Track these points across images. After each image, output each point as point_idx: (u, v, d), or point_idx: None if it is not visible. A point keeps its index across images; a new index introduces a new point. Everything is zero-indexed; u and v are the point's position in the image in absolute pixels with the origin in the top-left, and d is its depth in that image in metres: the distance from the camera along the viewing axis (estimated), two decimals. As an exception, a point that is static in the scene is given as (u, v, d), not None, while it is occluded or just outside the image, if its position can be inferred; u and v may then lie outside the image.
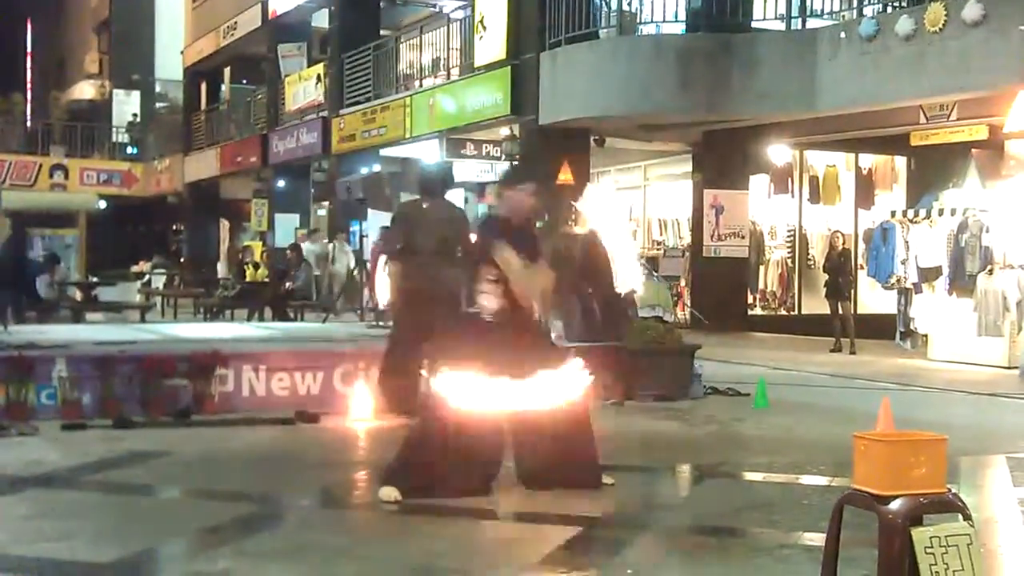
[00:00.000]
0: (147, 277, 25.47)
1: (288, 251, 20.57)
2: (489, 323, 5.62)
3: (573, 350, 9.26)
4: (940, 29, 12.64)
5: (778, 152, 18.58)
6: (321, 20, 24.84)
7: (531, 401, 5.61)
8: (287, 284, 17.52)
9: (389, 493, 5.40)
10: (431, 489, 5.42)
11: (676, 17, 16.21)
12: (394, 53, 21.28)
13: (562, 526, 5.05)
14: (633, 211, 20.83)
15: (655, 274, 16.21)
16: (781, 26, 15.58)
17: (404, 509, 5.30)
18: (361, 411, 8.12)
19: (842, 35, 14.09)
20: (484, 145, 19.54)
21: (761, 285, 19.22)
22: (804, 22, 15.39)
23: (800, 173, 19.47)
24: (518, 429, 5.68)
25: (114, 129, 35.13)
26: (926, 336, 14.05)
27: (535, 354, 5.72)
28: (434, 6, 23.34)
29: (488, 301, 5.65)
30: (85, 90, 39.43)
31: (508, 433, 5.69)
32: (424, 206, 8.22)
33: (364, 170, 21.62)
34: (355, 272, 14.79)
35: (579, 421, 5.77)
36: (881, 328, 15.77)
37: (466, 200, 21.63)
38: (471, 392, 5.49)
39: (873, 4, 14.97)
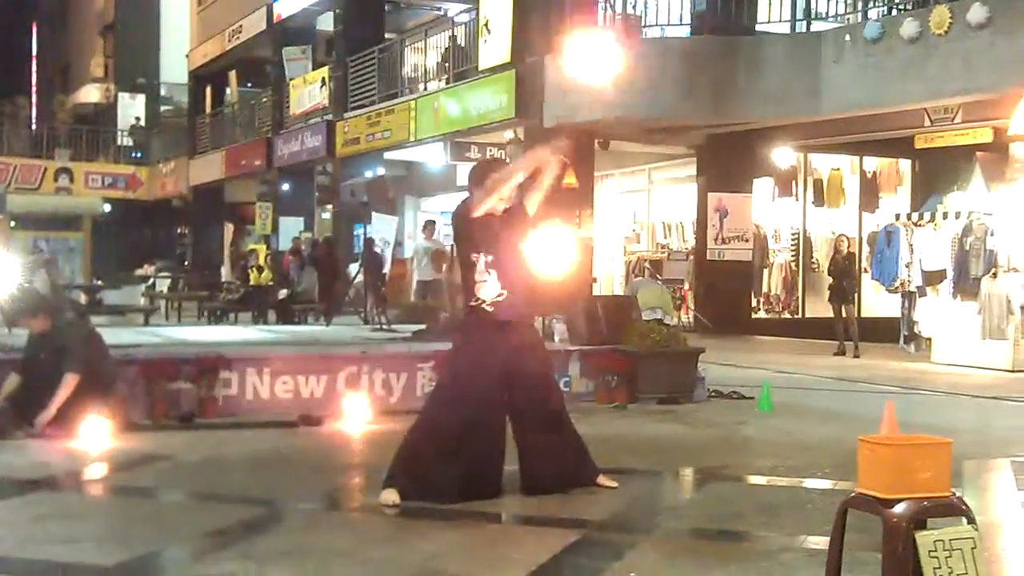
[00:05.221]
0: (151, 280, 25.51)
1: (289, 255, 20.61)
2: (491, 318, 5.53)
3: (576, 352, 9.38)
4: (945, 32, 12.62)
5: (782, 155, 18.56)
6: (326, 24, 24.87)
7: (528, 400, 5.60)
8: (286, 289, 17.54)
9: (389, 496, 5.40)
10: (428, 493, 5.39)
11: (681, 20, 16.20)
12: (399, 56, 21.29)
13: (565, 529, 5.05)
14: (637, 214, 20.84)
15: (657, 277, 16.20)
16: (786, 29, 15.57)
17: (406, 512, 5.29)
18: (364, 414, 8.12)
19: (847, 38, 14.07)
20: (488, 148, 19.53)
21: (765, 288, 19.21)
22: (809, 25, 15.38)
23: (804, 176, 19.46)
24: (520, 432, 5.66)
25: (119, 132, 35.19)
26: (930, 340, 14.04)
27: (529, 348, 5.68)
28: (439, 9, 23.37)
29: (485, 289, 5.55)
30: (90, 93, 39.52)
31: (514, 436, 5.68)
32: None
33: (368, 173, 21.66)
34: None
35: (562, 418, 5.77)
36: (885, 332, 15.75)
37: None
38: (473, 394, 5.48)
39: (878, 7, 14.96)
